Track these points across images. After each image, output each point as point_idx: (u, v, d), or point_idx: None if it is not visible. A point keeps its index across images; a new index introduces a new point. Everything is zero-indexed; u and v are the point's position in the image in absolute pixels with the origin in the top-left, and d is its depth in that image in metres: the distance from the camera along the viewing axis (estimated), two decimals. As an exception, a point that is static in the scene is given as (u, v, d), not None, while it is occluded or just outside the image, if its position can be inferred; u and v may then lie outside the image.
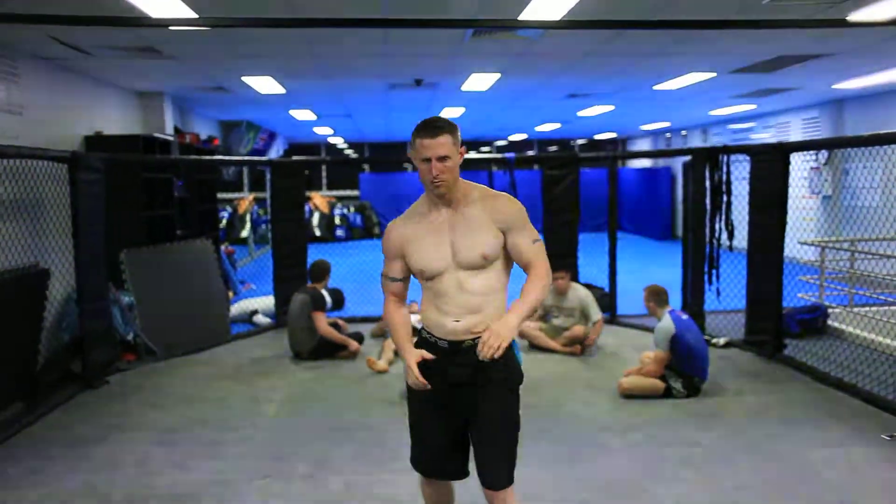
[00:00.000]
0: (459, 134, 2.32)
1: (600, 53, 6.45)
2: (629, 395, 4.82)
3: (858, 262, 7.58)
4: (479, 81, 8.04)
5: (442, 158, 2.25)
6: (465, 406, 2.36)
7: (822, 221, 10.84)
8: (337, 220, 17.52)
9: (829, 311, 6.85)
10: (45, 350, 5.26)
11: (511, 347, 2.36)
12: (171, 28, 4.73)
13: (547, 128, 15.08)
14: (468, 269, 2.32)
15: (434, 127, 2.26)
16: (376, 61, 6.71)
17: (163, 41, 5.52)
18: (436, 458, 2.46)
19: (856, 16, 4.04)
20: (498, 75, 7.67)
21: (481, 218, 2.33)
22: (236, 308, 7.69)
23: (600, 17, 4.58)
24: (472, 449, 2.44)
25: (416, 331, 2.51)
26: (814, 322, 6.64)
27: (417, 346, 2.41)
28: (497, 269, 2.36)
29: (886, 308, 6.65)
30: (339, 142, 18.92)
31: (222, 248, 9.34)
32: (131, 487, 3.57)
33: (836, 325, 6.66)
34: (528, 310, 2.25)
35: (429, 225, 2.37)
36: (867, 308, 6.82)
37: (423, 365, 2.34)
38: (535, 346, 6.18)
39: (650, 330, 5.37)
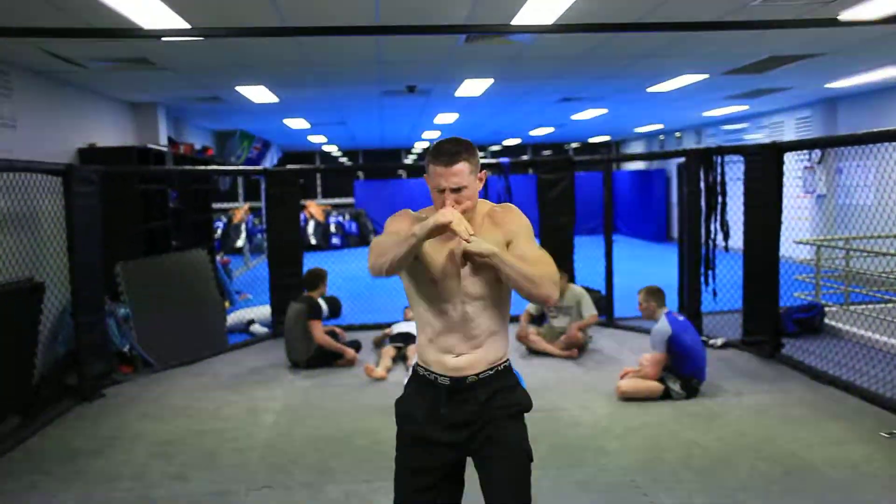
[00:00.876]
0: (478, 157, 2.10)
1: (593, 56, 6.47)
2: (628, 397, 4.82)
3: (853, 260, 7.61)
4: (473, 87, 8.06)
5: (457, 190, 2.01)
6: (466, 442, 2.14)
7: (816, 220, 10.87)
8: (332, 229, 17.51)
9: (826, 309, 6.86)
10: (40, 364, 5.24)
11: (514, 376, 2.21)
12: (164, 39, 4.72)
13: (541, 132, 15.10)
14: (476, 299, 2.11)
15: (450, 153, 2.01)
16: (369, 68, 6.72)
17: (156, 52, 5.52)
18: None
19: (846, 15, 4.06)
20: (491, 80, 7.68)
21: (492, 236, 2.10)
22: (233, 318, 7.67)
23: (592, 20, 4.59)
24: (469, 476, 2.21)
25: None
26: (811, 321, 6.64)
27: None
28: (501, 308, 2.16)
29: (883, 305, 6.66)
30: (333, 150, 18.92)
31: (218, 258, 9.32)
32: (129, 500, 3.55)
33: (833, 323, 6.67)
34: (513, 260, 2.00)
35: (440, 244, 2.09)
36: (863, 306, 6.84)
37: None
38: (532, 351, 6.18)
39: (647, 332, 5.36)
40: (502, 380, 2.17)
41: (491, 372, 2.14)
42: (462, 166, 2.01)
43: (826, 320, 6.73)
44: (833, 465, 3.69)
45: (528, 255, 2.05)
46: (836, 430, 4.17)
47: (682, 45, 6.11)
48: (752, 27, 4.22)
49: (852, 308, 6.87)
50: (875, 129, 4.91)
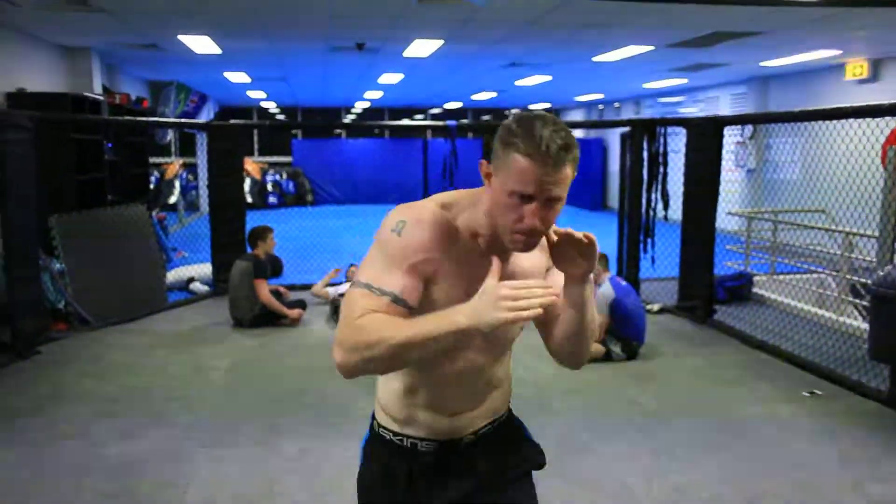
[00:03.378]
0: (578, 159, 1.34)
1: (543, 22, 6.51)
2: (571, 359, 4.98)
3: (780, 232, 8.01)
4: (422, 47, 7.99)
5: (554, 201, 1.29)
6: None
7: (746, 193, 11.34)
8: (269, 187, 17.18)
9: (755, 278, 7.22)
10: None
11: (517, 422, 1.68)
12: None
13: (483, 96, 15.11)
14: (497, 348, 1.53)
15: (560, 148, 1.25)
16: (320, 23, 6.57)
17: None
18: None
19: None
20: (441, 42, 7.63)
21: (537, 268, 1.47)
22: (172, 276, 7.49)
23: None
24: None
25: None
26: (740, 289, 6.99)
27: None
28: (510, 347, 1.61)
29: (806, 276, 7.06)
30: (271, 106, 18.45)
31: (153, 213, 9.03)
32: (76, 458, 3.48)
33: (760, 291, 7.03)
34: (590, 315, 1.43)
35: (471, 269, 1.34)
36: (788, 276, 7.23)
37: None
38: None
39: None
40: (505, 432, 1.62)
41: (491, 426, 1.59)
42: (569, 170, 1.29)
43: (754, 289, 7.09)
44: (761, 420, 3.94)
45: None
46: (764, 390, 4.44)
47: (631, 15, 6.20)
48: (698, 1, 4.32)
49: (778, 277, 7.26)
50: (805, 108, 5.14)
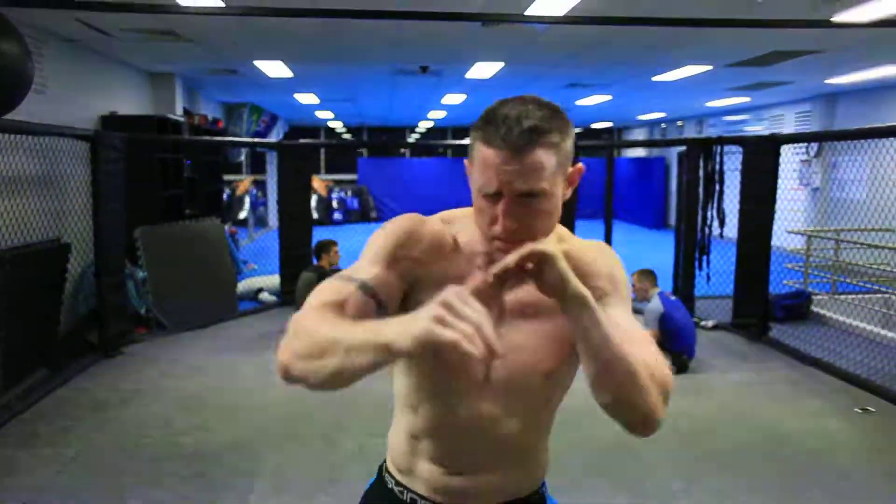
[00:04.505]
0: (573, 136, 1.13)
1: (601, 45, 6.69)
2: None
3: (843, 251, 7.90)
4: (484, 70, 8.27)
5: (527, 197, 1.06)
6: None
7: (810, 212, 11.14)
8: (334, 204, 17.76)
9: (813, 297, 7.16)
10: (63, 321, 5.50)
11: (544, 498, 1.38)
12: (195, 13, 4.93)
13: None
14: (516, 402, 1.22)
15: (529, 129, 1.04)
16: (386, 48, 6.93)
17: (184, 25, 5.73)
18: None
19: (840, 17, 4.29)
20: (502, 64, 7.89)
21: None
22: (242, 286, 7.94)
23: (603, 13, 4.82)
24: None
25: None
26: (798, 307, 6.94)
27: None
28: (553, 400, 1.30)
29: (867, 296, 6.96)
30: (338, 126, 19.08)
31: (226, 227, 9.57)
32: (158, 445, 3.84)
33: (819, 310, 6.97)
34: (615, 331, 1.08)
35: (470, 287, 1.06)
36: (850, 296, 7.13)
37: None
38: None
39: (642, 313, 5.65)
40: None
41: None
42: (543, 157, 1.04)
43: (813, 307, 7.02)
44: (809, 435, 3.99)
45: (625, 332, 1.12)
46: (814, 406, 4.47)
47: (688, 38, 6.33)
48: (751, 25, 4.43)
49: (839, 297, 7.17)
50: (868, 126, 5.16)
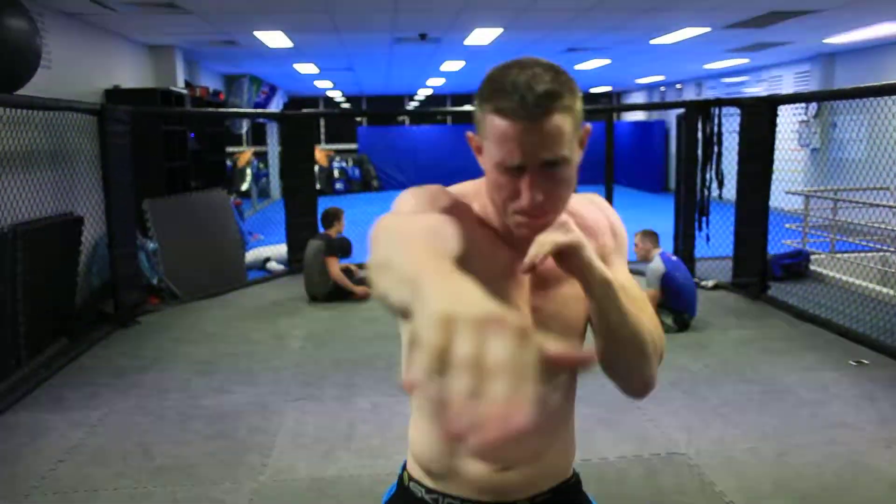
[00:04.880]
0: (581, 98, 1.04)
1: (601, 8, 6.72)
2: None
3: (841, 211, 8.00)
4: (483, 36, 8.28)
5: (550, 167, 1.01)
6: None
7: (809, 173, 11.22)
8: (336, 174, 17.80)
9: (812, 256, 7.29)
10: (78, 293, 5.63)
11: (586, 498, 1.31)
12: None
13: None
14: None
15: (545, 94, 0.97)
16: (385, 16, 6.95)
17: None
18: None
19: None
20: (501, 30, 7.91)
21: None
22: (250, 256, 8.06)
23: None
24: None
25: None
26: (796, 266, 7.07)
27: None
28: (574, 378, 1.24)
29: (865, 254, 7.08)
30: (337, 95, 19.04)
31: (231, 199, 9.66)
32: (180, 407, 4.00)
33: (817, 269, 7.10)
34: (629, 300, 1.08)
35: (486, 262, 1.06)
36: (848, 254, 7.26)
37: None
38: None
39: (643, 274, 5.78)
40: None
41: (553, 495, 1.22)
42: (561, 121, 0.99)
43: (811, 266, 7.16)
44: (805, 386, 4.15)
45: (630, 294, 1.10)
46: (810, 359, 4.63)
47: (680, 1, 6.35)
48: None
49: (837, 256, 7.29)
50: (865, 84, 5.22)
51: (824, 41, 9.45)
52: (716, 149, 6.72)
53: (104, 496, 3.06)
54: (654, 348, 1.10)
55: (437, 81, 14.97)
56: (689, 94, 15.57)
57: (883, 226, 7.13)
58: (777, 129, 6.10)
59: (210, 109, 8.44)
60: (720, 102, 6.77)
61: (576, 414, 1.29)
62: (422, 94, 18.55)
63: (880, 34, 8.74)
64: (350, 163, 18.18)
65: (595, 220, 1.18)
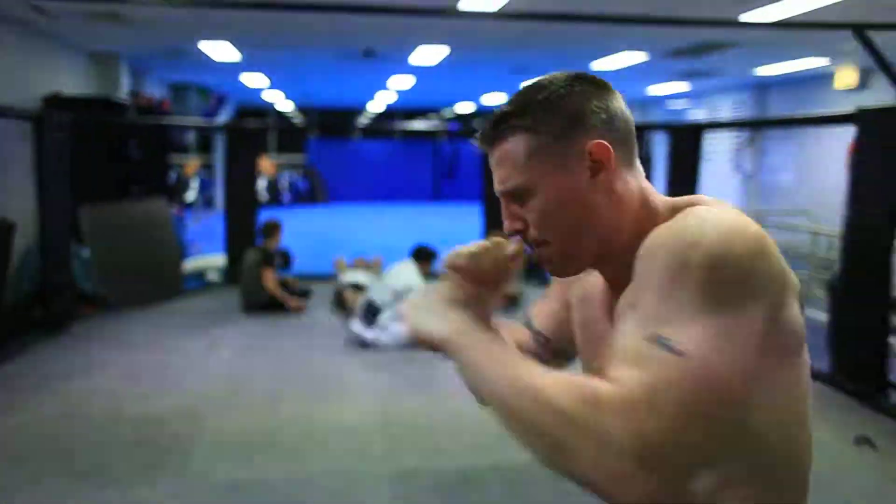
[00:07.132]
0: (560, 118, 0.90)
1: (537, 35, 6.98)
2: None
3: (766, 231, 8.39)
4: (428, 54, 8.48)
5: (511, 196, 0.92)
6: None
7: (742, 196, 11.71)
8: (284, 185, 17.79)
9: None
10: (6, 298, 5.57)
11: None
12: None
13: (494, 99, 15.56)
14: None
15: (495, 120, 0.92)
16: (328, 32, 7.08)
17: (130, 9, 5.79)
18: None
19: (746, 16, 4.65)
20: (447, 49, 8.12)
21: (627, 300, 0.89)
22: (188, 265, 8.04)
23: (533, 9, 5.10)
24: None
25: None
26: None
27: None
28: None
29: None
30: (288, 107, 19.04)
31: (172, 208, 9.60)
32: (106, 414, 4.02)
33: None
34: (490, 357, 0.81)
35: (586, 309, 1.04)
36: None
37: None
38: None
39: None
40: None
41: None
42: (510, 146, 0.90)
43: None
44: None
45: (623, 349, 0.77)
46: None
47: (620, 28, 6.63)
48: (661, 23, 4.72)
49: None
50: (790, 115, 5.57)
51: (756, 72, 9.92)
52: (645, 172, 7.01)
53: (20, 500, 3.08)
54: (578, 431, 0.71)
55: (389, 96, 15.12)
56: (634, 118, 16.01)
57: (802, 249, 7.52)
58: (713, 154, 6.43)
59: (152, 119, 8.42)
60: (650, 127, 7.10)
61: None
62: (373, 108, 18.68)
63: (807, 66, 9.24)
64: (298, 174, 18.19)
65: (641, 259, 0.84)
